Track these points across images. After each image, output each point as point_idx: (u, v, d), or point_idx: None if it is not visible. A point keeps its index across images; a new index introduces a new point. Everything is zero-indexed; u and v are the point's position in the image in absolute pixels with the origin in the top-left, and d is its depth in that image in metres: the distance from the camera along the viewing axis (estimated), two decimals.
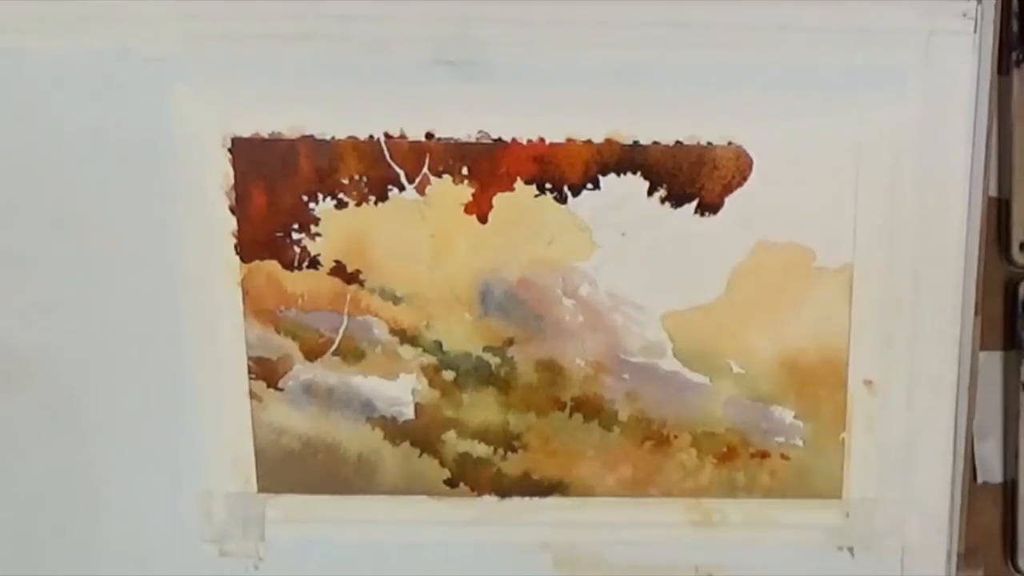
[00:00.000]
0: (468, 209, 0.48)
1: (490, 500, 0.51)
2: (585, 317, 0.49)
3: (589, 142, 0.47)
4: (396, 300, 0.49)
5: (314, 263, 0.48)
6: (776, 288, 0.48)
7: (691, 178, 0.47)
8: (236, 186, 0.47)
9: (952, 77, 0.46)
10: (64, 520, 0.51)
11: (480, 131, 0.47)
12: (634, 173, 0.47)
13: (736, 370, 0.49)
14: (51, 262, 0.49)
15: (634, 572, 0.52)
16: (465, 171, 0.47)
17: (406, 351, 0.49)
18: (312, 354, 0.49)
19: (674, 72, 0.46)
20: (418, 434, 0.50)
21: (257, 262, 0.48)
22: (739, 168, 0.47)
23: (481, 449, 0.50)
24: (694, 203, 0.47)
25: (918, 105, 0.46)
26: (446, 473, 0.51)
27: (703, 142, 0.47)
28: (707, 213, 0.47)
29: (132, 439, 0.50)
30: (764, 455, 0.50)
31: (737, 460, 0.50)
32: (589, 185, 0.47)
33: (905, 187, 0.47)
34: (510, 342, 0.49)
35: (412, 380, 0.50)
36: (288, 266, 0.48)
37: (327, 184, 0.47)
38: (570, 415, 0.50)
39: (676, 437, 0.50)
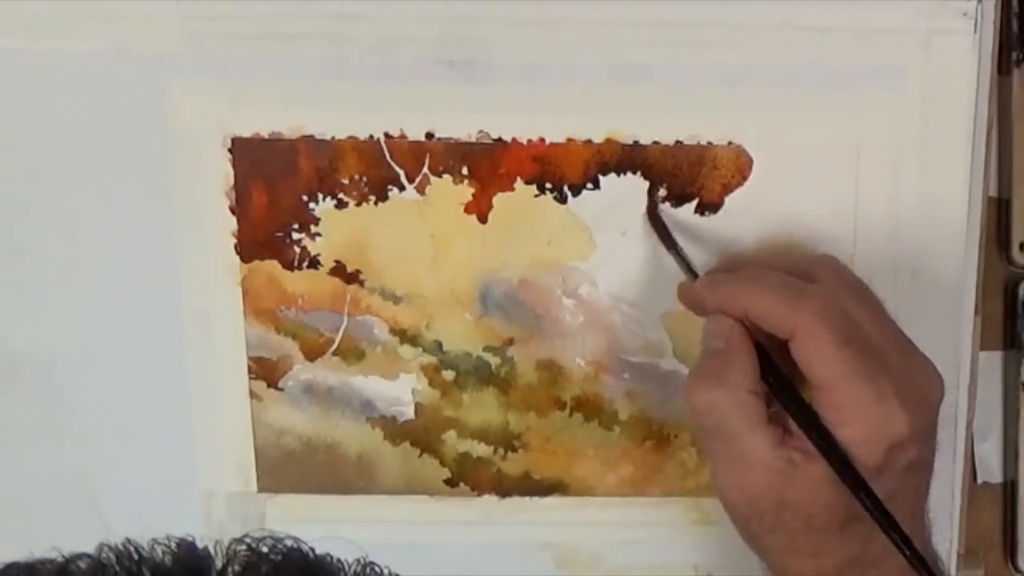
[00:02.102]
0: (468, 209, 0.48)
1: (490, 500, 0.51)
2: (585, 317, 0.49)
3: (589, 142, 0.47)
4: (396, 300, 0.49)
5: (314, 263, 0.48)
6: None
7: (691, 178, 0.47)
8: (236, 186, 0.47)
9: (952, 77, 0.46)
10: (64, 520, 0.51)
11: (480, 131, 0.47)
12: (634, 173, 0.47)
13: None
14: (50, 262, 0.48)
15: (634, 572, 0.52)
16: (465, 171, 0.47)
17: (406, 351, 0.49)
18: (312, 354, 0.49)
19: (674, 72, 0.46)
20: (418, 434, 0.50)
21: (257, 262, 0.48)
22: (739, 168, 0.47)
23: (481, 449, 0.50)
24: (694, 203, 0.47)
25: (918, 105, 0.46)
26: (446, 473, 0.51)
27: (703, 142, 0.47)
28: (707, 213, 0.47)
29: (132, 439, 0.50)
30: None
31: None
32: (589, 185, 0.47)
33: (905, 187, 0.47)
34: (510, 342, 0.49)
35: (412, 380, 0.50)
36: (288, 266, 0.48)
37: (327, 184, 0.47)
38: (570, 415, 0.50)
39: (676, 437, 0.50)
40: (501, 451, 0.50)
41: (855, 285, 0.42)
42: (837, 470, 0.39)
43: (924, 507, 0.42)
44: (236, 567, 0.31)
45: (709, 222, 0.47)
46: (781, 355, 0.41)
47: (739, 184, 0.47)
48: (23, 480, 0.51)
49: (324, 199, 0.48)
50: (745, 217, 0.47)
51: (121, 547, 0.32)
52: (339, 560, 0.34)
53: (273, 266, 0.48)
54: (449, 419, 0.50)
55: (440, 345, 0.49)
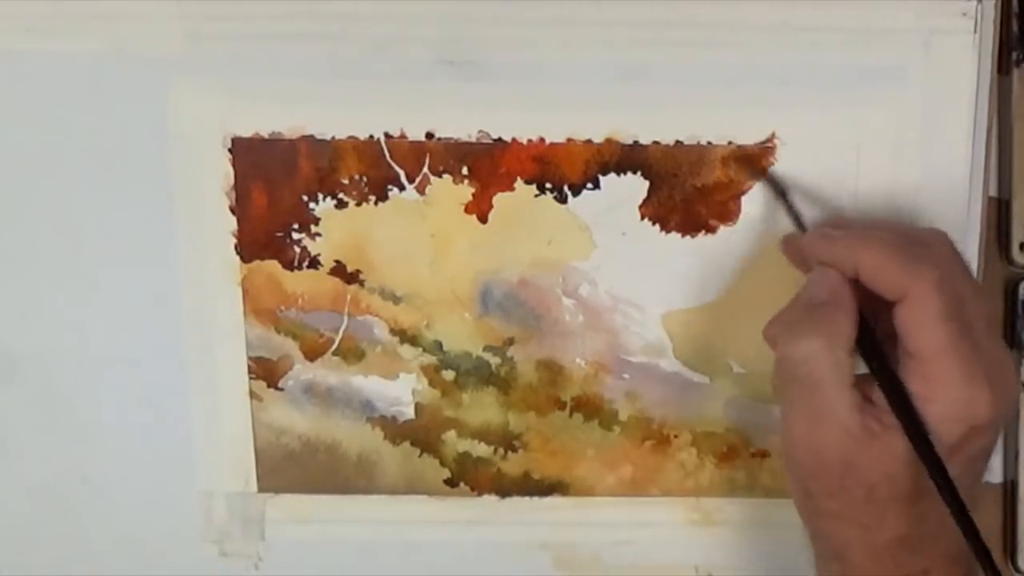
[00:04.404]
0: (468, 209, 0.48)
1: (490, 500, 0.51)
2: (585, 317, 0.49)
3: (589, 142, 0.47)
4: (396, 300, 0.49)
5: (314, 263, 0.48)
6: (777, 288, 0.48)
7: (691, 178, 0.47)
8: (236, 186, 0.47)
9: (952, 77, 0.46)
10: (64, 520, 0.51)
11: (480, 131, 0.47)
12: (634, 173, 0.47)
13: (736, 370, 0.49)
14: (50, 261, 0.49)
15: (634, 572, 0.52)
16: (465, 171, 0.47)
17: (406, 351, 0.49)
18: (312, 354, 0.49)
19: (674, 72, 0.46)
20: (418, 434, 0.50)
21: (257, 262, 0.48)
22: (739, 168, 0.47)
23: (481, 449, 0.50)
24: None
25: (918, 105, 0.46)
26: (446, 473, 0.51)
27: (703, 142, 0.47)
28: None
29: (132, 439, 0.50)
30: (764, 455, 0.50)
31: (737, 460, 0.50)
32: (589, 185, 0.47)
33: (905, 187, 0.47)
34: (510, 342, 0.49)
35: (412, 380, 0.50)
36: (288, 266, 0.48)
37: (327, 184, 0.47)
38: (570, 415, 0.50)
39: (676, 437, 0.50)
40: (501, 451, 0.50)
41: (964, 263, 0.42)
42: (914, 444, 0.38)
43: (974, 498, 0.41)
44: None
45: None
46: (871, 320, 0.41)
47: (739, 184, 0.47)
48: (23, 480, 0.51)
49: (324, 199, 0.48)
50: (745, 217, 0.47)
51: None
52: None
53: (273, 266, 0.48)
54: (449, 419, 0.50)
55: (440, 345, 0.49)
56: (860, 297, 0.41)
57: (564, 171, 0.47)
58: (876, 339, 0.40)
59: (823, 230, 0.43)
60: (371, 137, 0.47)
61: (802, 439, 0.40)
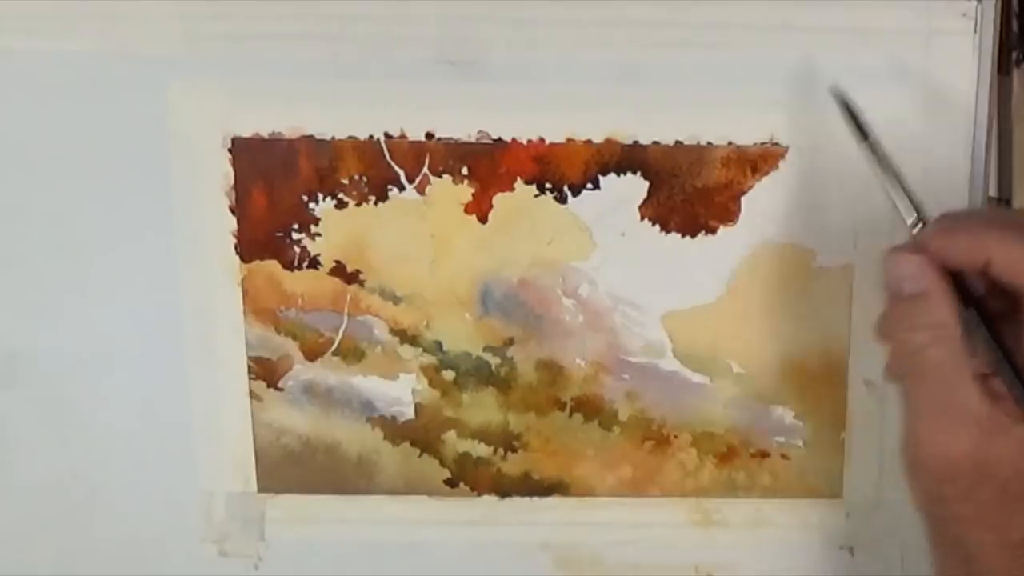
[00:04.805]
0: (468, 209, 0.48)
1: (490, 500, 0.51)
2: (585, 317, 0.49)
3: (589, 142, 0.47)
4: (396, 300, 0.49)
5: (314, 263, 0.48)
6: (776, 288, 0.48)
7: (691, 178, 0.47)
8: (236, 186, 0.47)
9: (952, 77, 0.46)
10: (64, 520, 0.51)
11: (480, 131, 0.47)
12: (634, 173, 0.47)
13: (736, 370, 0.49)
14: (50, 262, 0.49)
15: (634, 572, 0.52)
16: (465, 171, 0.47)
17: (406, 351, 0.49)
18: (312, 354, 0.49)
19: (674, 72, 0.46)
20: (418, 434, 0.50)
21: (257, 262, 0.48)
22: (739, 168, 0.47)
23: (481, 449, 0.50)
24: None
25: (918, 105, 0.46)
26: (446, 473, 0.51)
27: (703, 142, 0.47)
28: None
29: (132, 439, 0.50)
30: (764, 455, 0.50)
31: (737, 460, 0.50)
32: (589, 185, 0.47)
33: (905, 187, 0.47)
34: (510, 342, 0.49)
35: (412, 380, 0.50)
36: (288, 266, 0.48)
37: (327, 184, 0.47)
38: (570, 415, 0.50)
39: (676, 437, 0.50)
40: (501, 451, 0.50)
41: None
42: None
43: None
44: None
45: None
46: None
47: (739, 184, 0.47)
48: (23, 480, 0.51)
49: (324, 199, 0.48)
50: (746, 217, 0.47)
51: None
52: None
53: (273, 266, 0.48)
54: (449, 419, 0.50)
55: (440, 345, 0.49)
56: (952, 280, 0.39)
57: (564, 171, 0.47)
58: (989, 321, 0.38)
59: (942, 224, 0.40)
60: (371, 137, 0.47)
61: (932, 442, 0.38)
